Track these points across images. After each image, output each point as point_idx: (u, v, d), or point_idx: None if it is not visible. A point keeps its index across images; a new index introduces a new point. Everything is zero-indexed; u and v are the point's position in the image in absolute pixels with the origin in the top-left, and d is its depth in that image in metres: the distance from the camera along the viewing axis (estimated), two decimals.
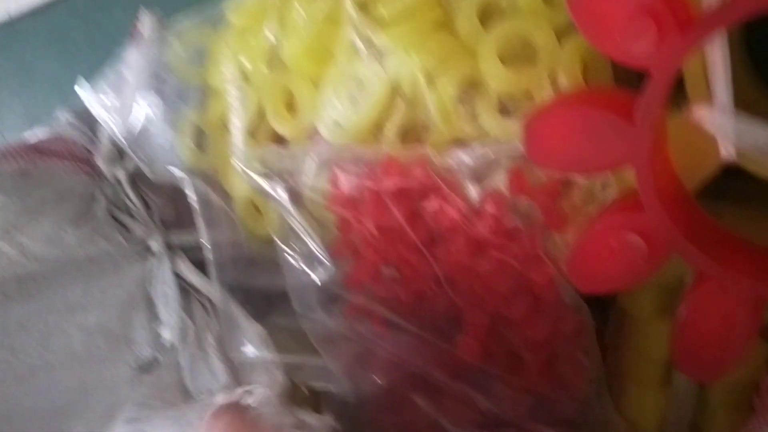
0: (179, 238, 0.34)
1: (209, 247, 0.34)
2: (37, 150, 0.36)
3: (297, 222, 0.33)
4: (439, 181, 0.30)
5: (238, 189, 0.36)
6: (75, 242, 0.32)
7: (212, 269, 0.34)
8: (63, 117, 0.37)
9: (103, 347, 0.30)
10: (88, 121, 0.36)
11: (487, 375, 0.35)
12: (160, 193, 0.35)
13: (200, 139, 0.37)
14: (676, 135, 0.26)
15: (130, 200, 0.34)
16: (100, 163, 0.35)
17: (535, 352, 0.33)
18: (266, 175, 0.33)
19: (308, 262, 0.34)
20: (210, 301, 0.33)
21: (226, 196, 0.37)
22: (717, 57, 0.25)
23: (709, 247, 0.25)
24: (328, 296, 0.34)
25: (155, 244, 0.33)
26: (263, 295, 0.35)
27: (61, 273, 0.31)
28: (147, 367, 0.30)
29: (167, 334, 0.30)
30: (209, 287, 0.32)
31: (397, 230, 0.32)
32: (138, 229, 0.34)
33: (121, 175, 0.35)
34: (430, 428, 0.36)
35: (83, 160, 0.35)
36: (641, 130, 0.24)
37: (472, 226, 0.30)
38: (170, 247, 0.33)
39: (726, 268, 0.25)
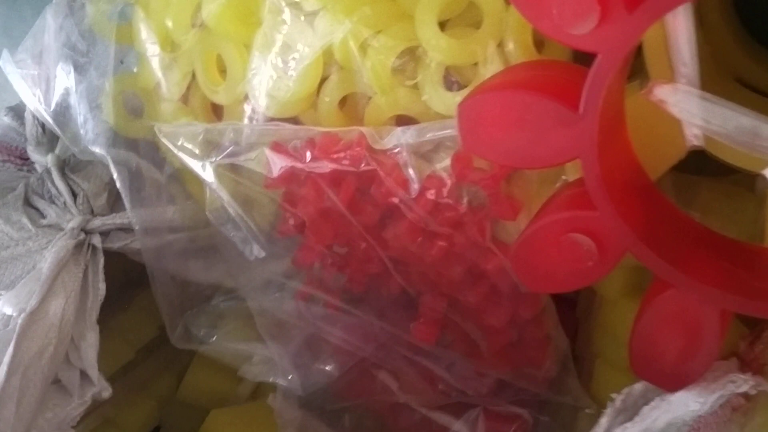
0: (105, 221, 0.31)
1: (137, 229, 0.31)
2: None
3: (230, 203, 0.30)
4: (376, 163, 0.27)
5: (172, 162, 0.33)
6: None
7: (144, 254, 0.31)
8: None
9: None
10: (20, 110, 0.33)
11: (447, 352, 0.33)
12: (95, 180, 0.33)
13: (135, 104, 0.34)
14: (635, 117, 0.23)
15: (55, 187, 0.31)
16: (30, 150, 0.32)
17: (494, 337, 0.31)
18: (196, 152, 0.30)
19: (247, 244, 0.31)
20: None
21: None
22: (680, 26, 0.22)
23: (670, 249, 0.22)
24: (274, 281, 0.32)
25: (69, 226, 0.30)
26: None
27: None
28: None
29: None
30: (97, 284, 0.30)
31: (341, 212, 0.29)
32: (53, 214, 0.31)
33: (50, 161, 0.32)
34: (393, 409, 0.35)
35: (16, 152, 0.33)
36: (586, 121, 0.21)
37: (413, 213, 0.27)
38: (88, 232, 0.31)
39: (688, 275, 0.22)
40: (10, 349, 0.25)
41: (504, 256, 0.27)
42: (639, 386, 0.25)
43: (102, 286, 0.30)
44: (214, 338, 0.33)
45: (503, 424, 0.33)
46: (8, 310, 0.26)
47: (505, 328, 0.30)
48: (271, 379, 0.32)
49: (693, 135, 0.23)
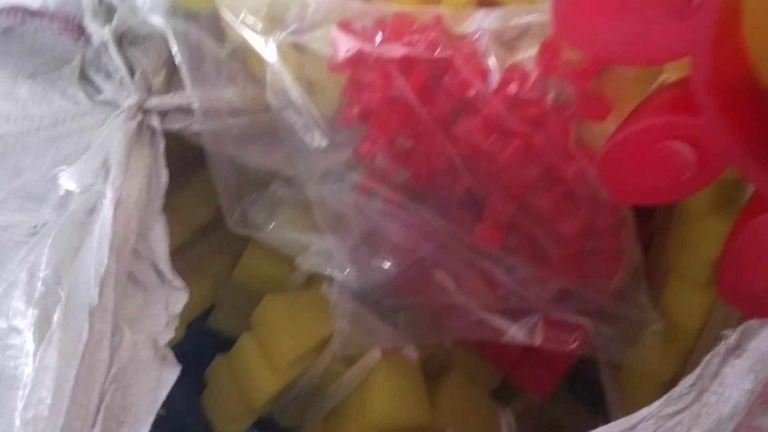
0: (164, 101, 0.29)
1: (197, 108, 0.30)
2: (28, 10, 0.31)
3: (292, 87, 0.28)
4: (453, 49, 0.25)
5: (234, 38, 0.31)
6: (28, 96, 0.28)
7: (203, 137, 0.30)
8: None
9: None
10: None
11: (511, 256, 0.31)
12: (153, 55, 0.31)
13: None
14: (754, 13, 0.20)
15: (112, 62, 0.30)
16: (87, 22, 0.31)
17: (564, 245, 0.29)
18: (258, 27, 0.28)
19: (308, 131, 0.29)
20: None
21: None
22: None
23: None
24: (333, 171, 0.30)
25: (126, 103, 0.29)
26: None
27: (21, 137, 0.28)
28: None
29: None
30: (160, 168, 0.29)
31: (409, 102, 0.27)
32: (110, 90, 0.30)
33: (107, 34, 0.30)
34: (448, 309, 0.34)
35: (74, 23, 0.31)
36: (703, 13, 0.18)
37: (490, 107, 0.25)
38: (146, 111, 0.29)
39: None
40: (108, 230, 0.25)
41: (587, 161, 0.25)
42: (755, 322, 0.23)
43: (164, 173, 0.29)
44: (272, 226, 0.32)
45: (562, 333, 0.32)
46: (71, 186, 0.25)
47: (577, 237, 0.28)
48: (327, 272, 0.31)
49: None
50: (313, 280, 0.39)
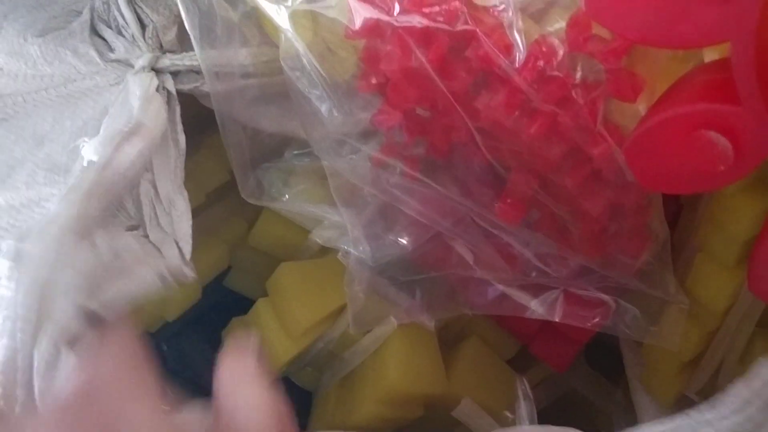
0: (175, 61, 0.28)
1: (205, 72, 0.28)
2: None
3: (305, 55, 0.27)
4: (475, 22, 0.23)
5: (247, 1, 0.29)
6: (38, 55, 0.27)
7: (213, 100, 0.29)
8: None
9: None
10: None
11: (532, 232, 0.30)
12: (164, 11, 0.30)
13: None
14: None
15: (122, 16, 0.29)
16: None
17: (588, 224, 0.28)
18: None
19: (322, 101, 0.28)
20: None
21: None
22: None
23: None
24: (348, 142, 0.29)
25: (139, 63, 0.28)
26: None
27: (33, 98, 0.27)
28: None
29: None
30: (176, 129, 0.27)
31: (428, 75, 0.26)
32: (121, 48, 0.28)
33: None
34: (467, 283, 0.33)
35: None
36: None
37: (514, 83, 0.24)
38: (159, 71, 0.28)
39: None
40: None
41: (615, 142, 0.23)
42: None
43: (182, 139, 0.28)
44: (286, 197, 0.31)
45: (583, 309, 0.31)
46: (93, 157, 0.24)
47: (602, 216, 0.27)
48: (342, 247, 0.30)
49: None
50: (327, 247, 0.39)
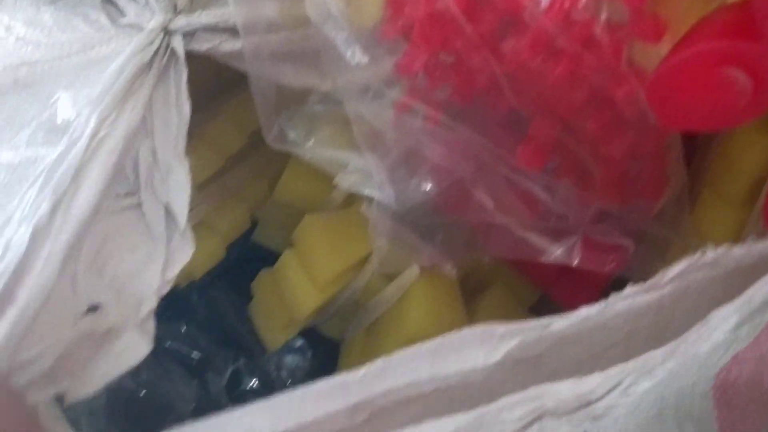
0: (191, 20, 0.28)
1: (239, 24, 0.29)
2: None
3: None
4: None
5: None
6: (52, 23, 0.27)
7: (246, 56, 0.29)
8: None
9: None
10: None
11: (553, 177, 0.31)
12: None
13: None
14: None
15: None
16: None
17: (609, 168, 0.28)
18: None
19: (348, 46, 0.29)
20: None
21: None
22: None
23: None
24: (372, 87, 0.30)
25: (150, 25, 0.28)
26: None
27: (54, 66, 0.27)
28: None
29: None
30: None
31: (454, 17, 0.26)
32: (132, 12, 0.29)
33: None
34: (487, 227, 0.34)
35: None
36: None
37: (539, 26, 0.24)
38: (172, 33, 0.28)
39: None
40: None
41: (638, 84, 0.24)
42: (742, 251, 0.22)
43: (187, 106, 0.28)
44: (310, 142, 0.32)
45: (601, 253, 0.32)
46: (67, 114, 0.25)
47: (623, 160, 0.27)
48: (366, 192, 0.31)
49: None
50: (352, 199, 0.40)
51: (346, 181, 0.32)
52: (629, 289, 0.23)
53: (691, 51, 0.20)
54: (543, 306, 0.41)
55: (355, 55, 0.29)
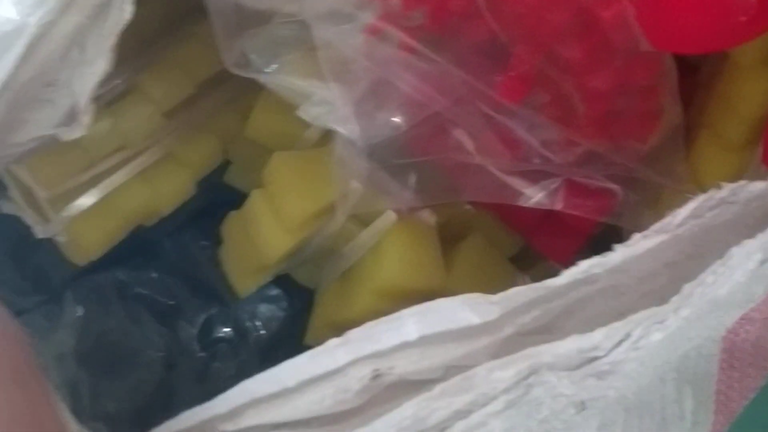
0: None
1: None
2: None
3: None
4: None
5: None
6: None
7: None
8: None
9: None
10: None
11: (535, 115, 0.29)
12: None
13: None
14: None
15: None
16: None
17: (596, 103, 0.26)
18: None
19: None
20: None
21: None
22: None
23: None
24: (343, 10, 0.27)
25: None
26: None
27: None
28: None
29: None
30: None
31: None
32: None
33: None
34: (465, 169, 0.32)
35: None
36: None
37: None
38: None
39: None
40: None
41: (627, 3, 0.21)
42: (761, 185, 0.20)
43: (128, 8, 0.26)
44: (273, 67, 0.30)
45: (587, 198, 0.30)
46: (11, 14, 0.23)
47: (610, 93, 0.25)
48: (330, 125, 0.29)
49: None
50: (327, 137, 0.38)
51: (309, 114, 0.30)
52: (636, 237, 0.20)
53: None
54: (525, 257, 0.39)
55: None
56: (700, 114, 0.28)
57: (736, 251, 0.19)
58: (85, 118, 0.27)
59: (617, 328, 0.20)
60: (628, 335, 0.19)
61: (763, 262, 0.18)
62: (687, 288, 0.19)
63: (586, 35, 0.24)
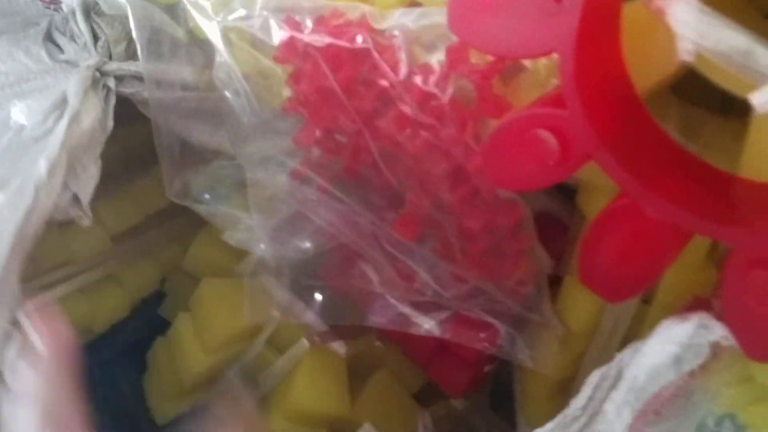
0: (121, 66, 0.32)
1: (146, 79, 0.32)
2: None
3: (234, 70, 0.30)
4: (372, 41, 0.27)
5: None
6: None
7: (151, 105, 0.32)
8: None
9: None
10: None
11: (429, 253, 0.33)
12: (118, 27, 0.33)
13: None
14: (632, 25, 0.22)
15: (78, 28, 0.32)
16: None
17: (471, 242, 0.31)
18: (206, 11, 0.30)
19: (244, 112, 0.31)
20: None
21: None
22: None
23: (634, 160, 0.22)
24: (274, 158, 0.32)
25: (86, 63, 0.31)
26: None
27: None
28: None
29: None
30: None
31: (338, 95, 0.29)
32: (72, 51, 0.32)
33: (77, 3, 0.33)
34: (368, 297, 0.35)
35: None
36: (567, 13, 0.20)
37: (402, 100, 0.27)
38: (104, 74, 0.32)
39: (647, 188, 0.22)
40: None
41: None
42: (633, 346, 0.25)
43: (110, 124, 0.31)
44: (208, 198, 0.34)
45: (473, 330, 0.34)
46: (21, 119, 0.27)
47: (481, 234, 0.30)
48: (250, 248, 0.33)
49: (686, 50, 0.22)
50: (257, 272, 0.41)
51: (233, 238, 0.34)
52: None
53: (511, 117, 0.23)
54: (428, 393, 0.42)
55: (258, 129, 0.32)
56: (567, 263, 0.33)
57: None
58: None
59: None
60: None
61: None
62: None
63: (459, 183, 0.29)
